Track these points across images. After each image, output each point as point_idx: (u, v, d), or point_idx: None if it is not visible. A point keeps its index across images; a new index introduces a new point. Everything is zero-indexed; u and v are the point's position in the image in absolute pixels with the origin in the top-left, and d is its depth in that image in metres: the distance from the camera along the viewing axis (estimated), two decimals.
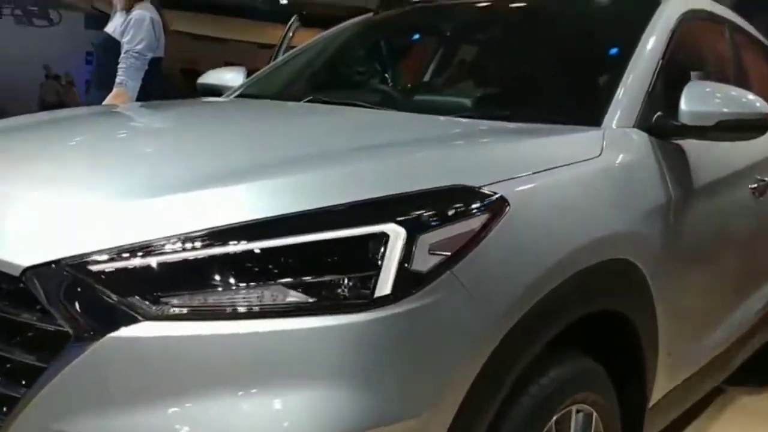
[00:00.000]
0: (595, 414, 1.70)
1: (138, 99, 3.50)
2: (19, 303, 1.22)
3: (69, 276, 1.19)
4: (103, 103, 3.44)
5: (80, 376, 1.17)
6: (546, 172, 1.54)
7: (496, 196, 1.37)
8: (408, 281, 1.22)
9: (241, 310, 1.18)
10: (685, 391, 2.24)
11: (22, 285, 1.20)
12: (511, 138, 1.76)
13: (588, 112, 1.95)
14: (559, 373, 1.53)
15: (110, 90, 3.50)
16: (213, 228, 1.22)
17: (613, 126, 1.91)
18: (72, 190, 1.38)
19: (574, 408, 1.62)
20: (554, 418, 1.53)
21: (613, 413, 1.78)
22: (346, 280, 1.20)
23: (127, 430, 1.15)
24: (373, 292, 1.20)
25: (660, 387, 1.99)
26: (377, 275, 1.20)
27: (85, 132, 1.93)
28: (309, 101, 2.36)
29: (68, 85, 16.97)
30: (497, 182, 1.41)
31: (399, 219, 1.24)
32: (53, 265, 1.19)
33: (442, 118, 2.01)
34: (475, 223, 1.32)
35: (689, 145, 2.04)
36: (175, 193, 1.30)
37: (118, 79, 3.49)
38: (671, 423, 2.26)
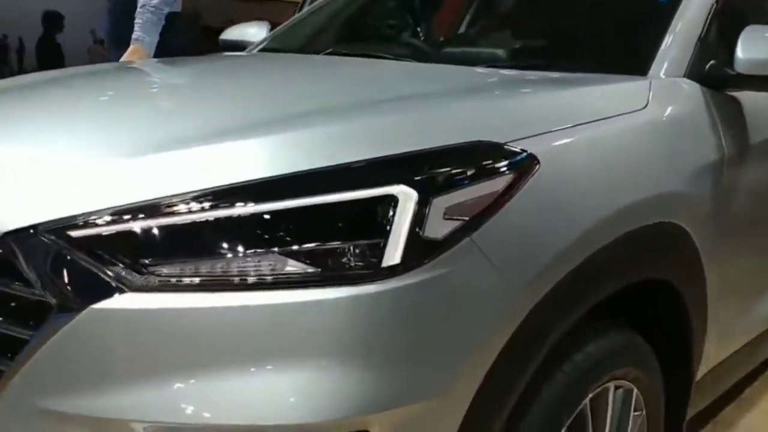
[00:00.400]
0: (636, 390, 1.56)
1: (156, 56, 3.38)
2: (2, 271, 1.12)
3: (48, 243, 1.08)
4: (120, 60, 3.33)
5: (65, 350, 1.07)
6: (584, 126, 1.38)
7: (524, 153, 1.22)
8: (420, 249, 1.08)
9: (235, 281, 1.06)
10: (732, 366, 2.08)
11: (1, 252, 1.11)
12: (547, 88, 1.59)
13: (633, 59, 1.77)
14: (597, 348, 1.39)
15: (127, 49, 3.39)
16: (204, 190, 1.10)
17: (661, 75, 1.72)
18: (56, 149, 1.27)
19: (612, 384, 1.48)
20: (590, 395, 1.40)
21: (657, 389, 1.64)
22: (351, 248, 1.08)
23: (120, 410, 1.06)
24: (380, 262, 1.07)
25: (707, 361, 1.83)
26: (385, 243, 1.07)
27: (86, 89, 1.83)
28: (331, 54, 2.22)
29: (108, 50, 17.02)
30: (528, 137, 1.26)
31: (410, 180, 1.10)
32: (31, 231, 1.09)
33: (472, 68, 1.85)
34: (499, 183, 1.17)
35: (746, 96, 1.84)
36: (165, 152, 1.18)
37: (134, 36, 3.36)
38: (715, 399, 2.11)
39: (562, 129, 1.34)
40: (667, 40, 1.79)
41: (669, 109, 1.63)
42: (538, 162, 1.23)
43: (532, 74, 1.72)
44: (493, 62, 1.88)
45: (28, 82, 2.02)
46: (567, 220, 1.25)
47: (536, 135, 1.28)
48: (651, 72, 1.72)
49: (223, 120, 1.35)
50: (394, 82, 1.72)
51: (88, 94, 1.76)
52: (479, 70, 1.82)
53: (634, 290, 1.47)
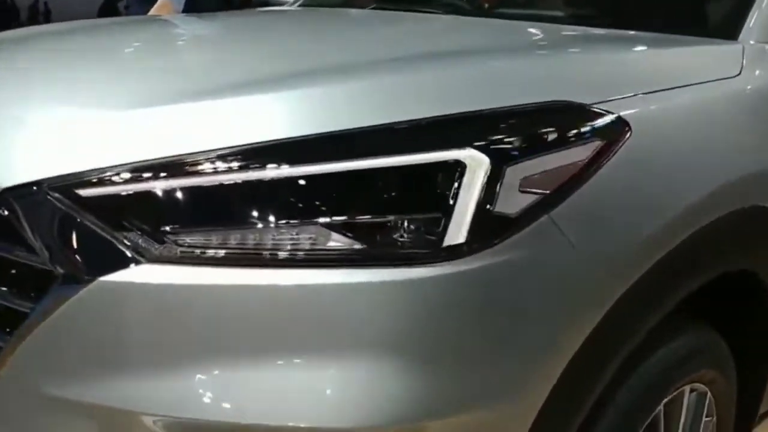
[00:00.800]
0: (709, 394, 1.39)
1: (185, 11, 3.21)
2: (1, 233, 0.97)
3: (53, 201, 0.93)
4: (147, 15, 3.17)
5: (69, 327, 0.92)
6: (676, 91, 1.19)
7: (614, 117, 1.03)
8: (490, 227, 0.91)
9: (268, 255, 0.90)
10: None
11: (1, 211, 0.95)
12: (627, 47, 1.39)
13: (722, 21, 1.56)
14: (676, 347, 1.21)
15: (153, 4, 3.22)
16: (236, 147, 0.93)
17: (753, 41, 1.51)
18: (69, 98, 1.10)
19: (687, 388, 1.31)
20: (665, 400, 1.23)
21: (730, 392, 1.46)
22: (406, 223, 0.90)
23: (129, 399, 0.91)
24: (441, 240, 0.89)
25: None
26: (448, 218, 0.90)
27: (109, 39, 1.66)
28: (377, 8, 2.02)
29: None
30: (614, 99, 1.07)
31: (480, 143, 0.92)
32: (35, 188, 0.93)
33: (541, 24, 1.64)
34: (584, 152, 0.99)
35: None
36: (192, 102, 1.01)
37: None
38: None
39: (653, 92, 1.15)
40: (762, 2, 1.57)
41: (766, 78, 1.42)
42: (630, 128, 1.04)
43: (605, 32, 1.51)
44: (563, 20, 1.67)
45: (52, 31, 1.87)
46: (660, 198, 1.07)
47: (624, 97, 1.09)
48: (742, 36, 1.51)
49: (259, 72, 1.17)
50: (454, 37, 1.53)
51: (110, 45, 1.60)
52: (552, 26, 1.61)
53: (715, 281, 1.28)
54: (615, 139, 1.02)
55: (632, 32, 1.48)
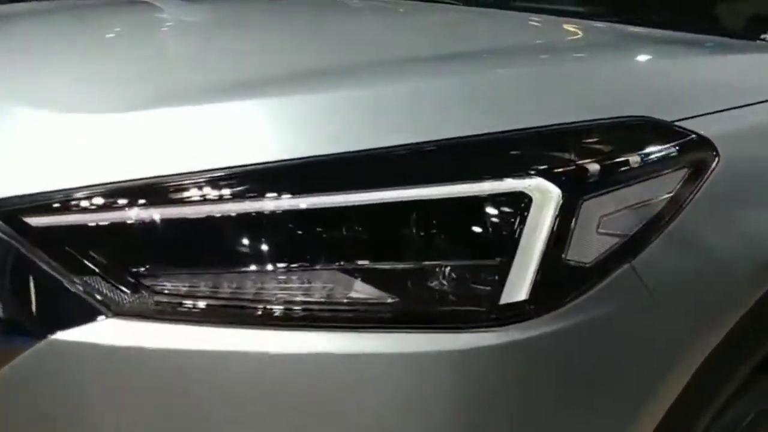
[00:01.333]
0: None
1: None
2: None
3: None
4: None
5: (10, 394, 0.71)
6: (761, 106, 0.98)
7: (699, 137, 0.83)
8: (560, 280, 0.71)
9: (273, 310, 0.69)
10: None
11: None
12: (701, 54, 1.17)
13: None
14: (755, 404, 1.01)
15: None
16: (235, 168, 0.72)
17: None
18: (26, 95, 0.89)
19: None
20: None
21: None
22: (451, 272, 0.70)
23: None
24: (497, 297, 0.69)
25: None
26: (507, 267, 0.69)
27: (88, 24, 1.44)
28: None
29: None
30: (694, 117, 0.87)
31: (550, 170, 0.72)
32: None
33: (594, 23, 1.41)
34: (671, 182, 0.78)
35: None
36: (179, 105, 0.80)
37: None
38: None
39: (737, 108, 0.95)
40: None
41: None
42: (718, 152, 0.84)
43: (677, 35, 1.29)
44: (615, 17, 1.43)
45: (25, 12, 1.64)
46: (755, 235, 0.86)
47: (708, 113, 0.89)
48: None
49: (263, 67, 0.97)
50: (490, 33, 1.31)
51: (87, 30, 1.38)
52: (608, 25, 1.36)
53: None
54: (703, 166, 0.82)
55: (701, 36, 1.26)
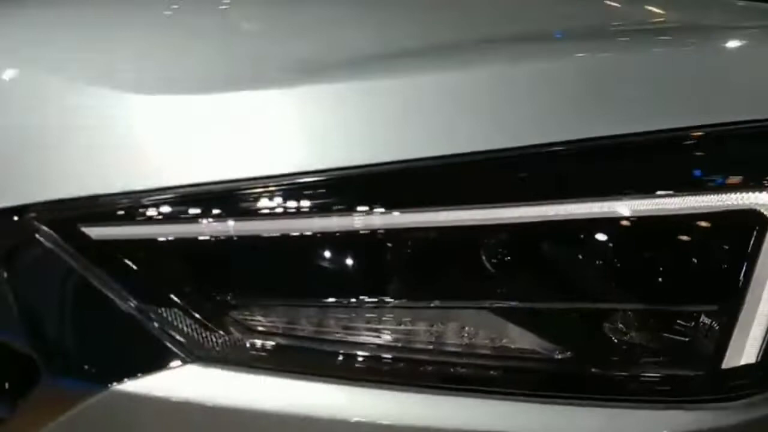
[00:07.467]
0: None
1: None
2: None
3: (43, 242, 0.55)
4: None
5: None
6: None
7: None
8: None
9: (400, 360, 0.52)
10: None
11: None
12: None
13: None
14: None
15: None
16: (333, 170, 0.53)
17: None
18: (75, 70, 0.70)
19: None
20: None
21: None
22: (646, 320, 0.51)
23: None
24: (719, 359, 0.50)
25: None
26: (732, 316, 0.50)
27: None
28: None
29: None
30: None
31: None
32: (15, 217, 0.56)
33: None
34: None
35: None
36: (266, 89, 0.61)
37: None
38: None
39: None
40: None
41: None
42: None
43: None
44: None
45: None
46: None
47: None
48: None
49: (373, 46, 0.77)
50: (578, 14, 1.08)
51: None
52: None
53: None
54: None
55: None
